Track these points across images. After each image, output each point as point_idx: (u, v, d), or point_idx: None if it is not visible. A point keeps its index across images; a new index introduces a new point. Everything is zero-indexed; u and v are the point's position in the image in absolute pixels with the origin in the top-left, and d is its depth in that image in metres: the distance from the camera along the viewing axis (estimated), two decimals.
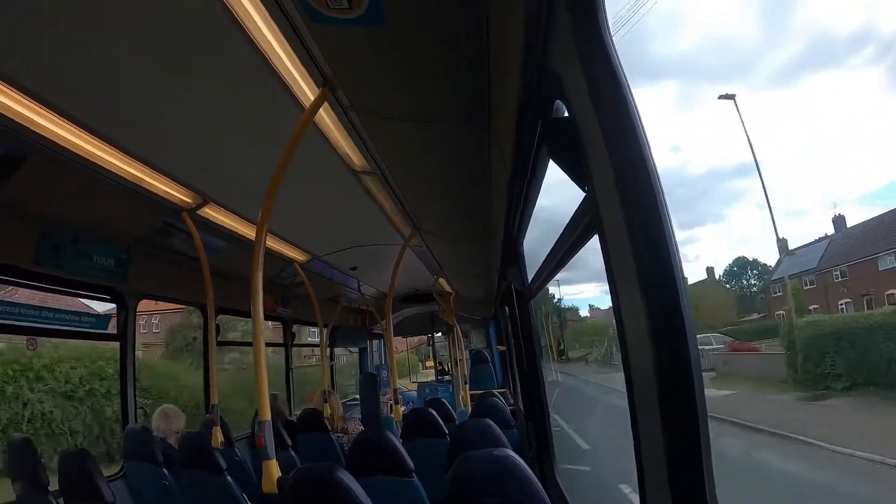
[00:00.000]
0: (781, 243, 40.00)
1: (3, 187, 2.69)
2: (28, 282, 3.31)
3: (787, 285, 32.41)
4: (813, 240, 38.62)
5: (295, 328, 7.28)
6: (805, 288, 35.00)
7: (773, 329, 28.89)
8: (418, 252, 5.36)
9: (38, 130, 2.33)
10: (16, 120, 2.23)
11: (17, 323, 3.38)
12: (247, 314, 5.43)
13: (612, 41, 1.05)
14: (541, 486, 1.75)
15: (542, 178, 2.29)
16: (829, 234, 37.58)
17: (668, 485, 0.95)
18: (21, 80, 2.03)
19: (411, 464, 2.95)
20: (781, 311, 34.27)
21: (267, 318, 5.87)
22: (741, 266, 55.40)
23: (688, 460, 0.92)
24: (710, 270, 55.35)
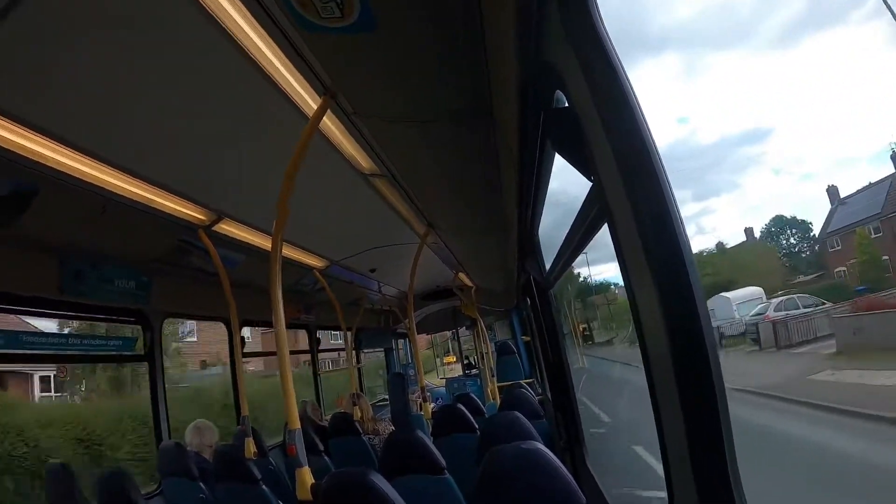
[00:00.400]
0: (832, 191, 36.58)
1: (19, 221, 2.74)
2: (55, 311, 3.37)
3: (851, 236, 29.24)
4: (865, 184, 33.86)
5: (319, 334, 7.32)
6: (871, 237, 30.09)
7: (839, 288, 26.63)
8: (435, 248, 5.36)
9: (46, 163, 2.36)
10: (24, 155, 2.26)
11: (45, 352, 3.46)
12: (271, 324, 5.53)
13: (604, 27, 1.05)
14: (571, 478, 1.74)
15: (551, 168, 2.28)
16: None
17: (693, 474, 0.95)
18: (25, 114, 2.06)
19: (443, 461, 2.96)
20: (842, 268, 31.85)
21: (291, 325, 5.92)
22: (779, 225, 51.98)
23: (710, 447, 0.92)
24: (748, 231, 51.08)
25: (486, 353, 8.50)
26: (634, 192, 0.98)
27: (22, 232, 2.87)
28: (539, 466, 1.72)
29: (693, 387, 0.92)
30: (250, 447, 3.63)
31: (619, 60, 1.02)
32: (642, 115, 0.98)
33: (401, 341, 10.86)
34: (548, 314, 3.68)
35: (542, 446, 1.80)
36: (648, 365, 1.08)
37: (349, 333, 7.10)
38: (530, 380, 8.49)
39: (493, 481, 1.76)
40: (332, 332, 8.92)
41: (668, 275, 0.93)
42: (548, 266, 3.33)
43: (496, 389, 7.06)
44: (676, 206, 0.94)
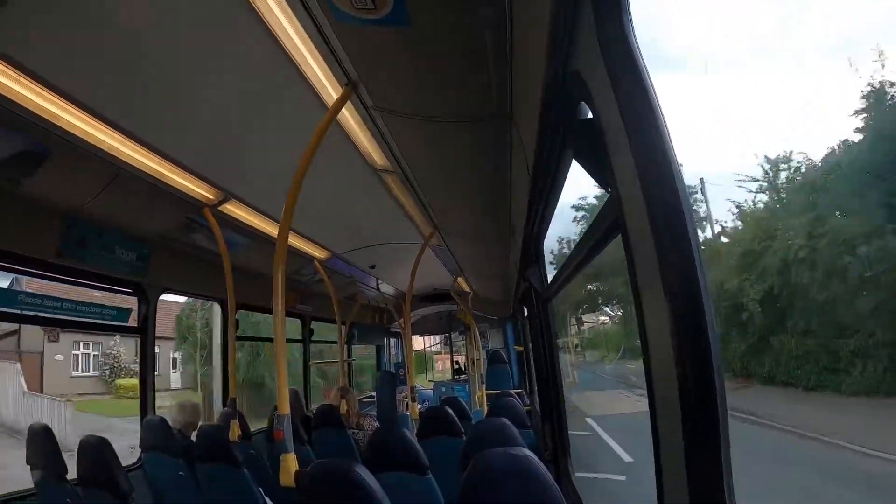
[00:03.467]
0: None
1: (28, 181, 2.74)
2: (51, 274, 3.37)
3: None
4: None
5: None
6: None
7: None
8: (438, 251, 5.36)
9: (61, 125, 2.36)
10: (39, 114, 2.26)
11: (39, 314, 3.45)
12: (266, 310, 5.53)
13: (636, 43, 1.06)
14: (557, 487, 1.73)
15: (564, 179, 2.28)
16: None
17: (687, 485, 0.95)
18: (45, 74, 2.06)
19: (427, 461, 2.95)
20: None
21: (286, 314, 5.91)
22: None
23: (709, 466, 0.91)
24: None
25: (478, 359, 8.48)
26: (653, 207, 0.98)
27: (30, 191, 2.87)
28: (527, 473, 1.71)
29: (696, 404, 0.92)
30: (235, 429, 3.61)
31: (649, 77, 1.03)
32: (668, 134, 0.99)
33: (392, 340, 10.86)
34: (546, 325, 3.67)
35: (531, 453, 1.79)
36: (650, 376, 1.08)
37: (343, 327, 7.09)
38: (519, 390, 8.49)
39: (480, 484, 1.75)
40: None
41: (679, 287, 0.93)
42: (549, 277, 3.33)
43: (484, 396, 7.05)
44: (693, 224, 0.94)
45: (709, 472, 0.92)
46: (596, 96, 1.24)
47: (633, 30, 1.07)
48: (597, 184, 1.40)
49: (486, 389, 7.56)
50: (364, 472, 1.95)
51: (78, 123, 2.39)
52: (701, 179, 27.27)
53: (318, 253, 5.18)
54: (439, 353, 16.07)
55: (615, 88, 1.09)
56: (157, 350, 4.33)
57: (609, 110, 1.13)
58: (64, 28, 1.85)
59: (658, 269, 0.96)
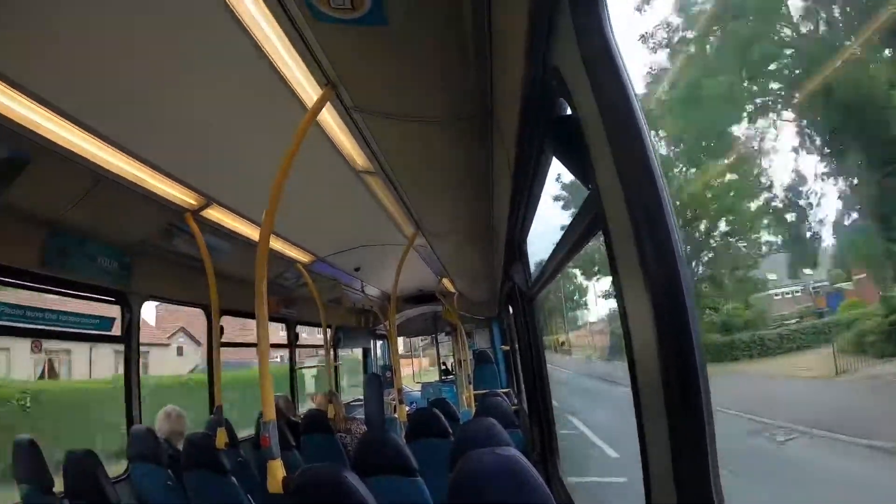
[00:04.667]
0: None
1: (8, 190, 2.70)
2: (34, 284, 3.32)
3: None
4: None
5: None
6: None
7: None
8: (422, 252, 5.36)
9: (40, 132, 2.33)
10: (18, 122, 2.23)
11: (22, 325, 3.40)
12: (250, 315, 5.49)
13: (614, 39, 1.08)
14: (545, 487, 1.73)
15: (545, 177, 2.30)
16: None
17: (674, 483, 0.96)
18: (23, 81, 2.04)
19: (416, 463, 2.95)
20: None
21: (271, 319, 5.86)
22: None
23: (694, 462, 0.93)
24: None
25: (465, 360, 8.49)
26: (633, 202, 0.99)
27: (10, 201, 2.83)
28: (515, 473, 1.70)
29: (679, 399, 0.92)
30: (222, 437, 3.59)
31: (627, 72, 1.05)
32: (646, 128, 1.00)
33: (379, 342, 10.83)
34: (531, 323, 3.69)
35: (518, 453, 1.79)
36: (634, 370, 1.08)
37: (328, 331, 7.05)
38: (506, 389, 8.51)
39: (468, 485, 1.75)
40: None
41: (660, 282, 0.94)
42: (533, 275, 3.35)
43: (472, 397, 7.06)
44: (673, 218, 0.96)
45: (695, 472, 0.92)
46: (574, 92, 1.25)
47: (611, 25, 1.08)
48: (577, 179, 1.42)
49: (474, 390, 7.57)
50: (352, 477, 1.95)
51: (57, 130, 2.36)
52: None
53: (302, 257, 5.15)
54: (408, 356, 15.77)
55: (592, 83, 1.10)
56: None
57: (588, 106, 1.14)
58: (41, 34, 1.83)
59: (639, 263, 0.97)
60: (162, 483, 3.47)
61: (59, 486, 3.02)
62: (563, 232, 2.03)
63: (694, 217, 28.82)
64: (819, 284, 31.04)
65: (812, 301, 30.41)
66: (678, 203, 26.99)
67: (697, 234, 29.04)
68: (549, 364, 3.86)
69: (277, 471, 2.36)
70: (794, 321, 27.86)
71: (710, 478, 0.92)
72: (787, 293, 33.14)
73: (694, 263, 28.83)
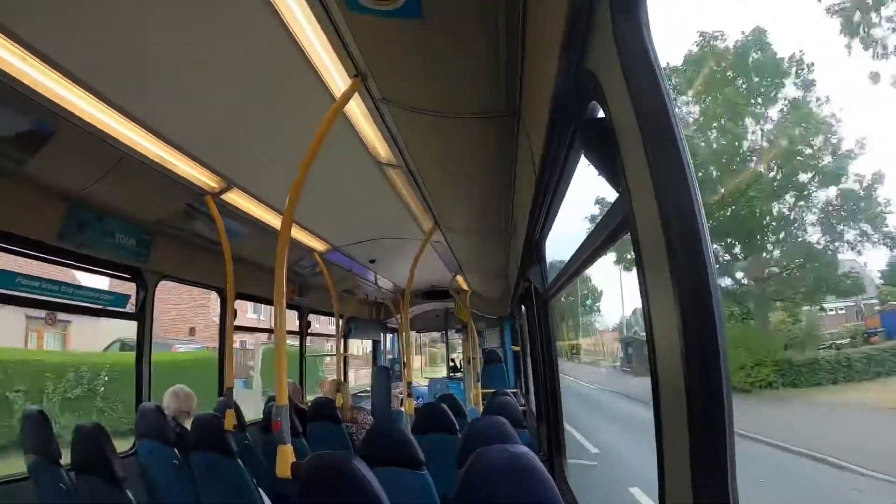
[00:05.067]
0: None
1: (30, 161, 2.72)
2: (52, 257, 3.35)
3: None
4: None
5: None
6: None
7: None
8: (438, 247, 5.35)
9: (66, 106, 2.34)
10: (45, 95, 2.23)
11: (38, 297, 3.44)
12: (263, 300, 5.53)
13: (652, 43, 1.06)
14: (555, 486, 1.73)
15: (570, 179, 2.27)
16: None
17: (691, 488, 0.94)
18: (52, 55, 2.03)
19: (423, 456, 2.96)
20: None
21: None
22: None
23: (715, 479, 0.90)
24: None
25: (475, 358, 8.50)
26: (667, 209, 0.97)
27: (33, 172, 2.86)
28: (527, 471, 1.70)
29: (704, 410, 0.91)
30: (231, 419, 3.60)
31: (663, 77, 1.03)
32: (681, 134, 0.99)
33: (389, 335, 10.86)
34: (545, 325, 3.67)
35: (530, 451, 1.79)
36: (657, 377, 1.07)
37: (340, 321, 7.08)
38: (514, 390, 8.49)
39: (479, 481, 1.74)
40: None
41: (689, 289, 0.92)
42: (550, 277, 3.32)
43: (480, 395, 7.06)
44: (706, 229, 0.94)
45: (713, 476, 0.90)
46: (609, 96, 1.23)
47: (649, 29, 1.06)
48: (606, 181, 1.40)
49: (482, 388, 7.58)
50: (362, 466, 1.94)
51: (84, 106, 2.36)
52: None
53: (318, 245, 5.16)
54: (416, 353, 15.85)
55: (630, 88, 1.08)
56: None
57: (623, 110, 1.12)
58: (73, 8, 1.83)
59: (668, 268, 0.95)
60: (168, 461, 3.49)
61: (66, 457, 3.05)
62: (586, 233, 2.00)
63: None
64: (868, 302, 28.80)
65: (863, 321, 27.62)
66: None
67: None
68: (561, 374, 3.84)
69: (288, 456, 2.37)
70: (846, 340, 24.31)
71: (730, 499, 0.90)
72: (831, 310, 29.36)
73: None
